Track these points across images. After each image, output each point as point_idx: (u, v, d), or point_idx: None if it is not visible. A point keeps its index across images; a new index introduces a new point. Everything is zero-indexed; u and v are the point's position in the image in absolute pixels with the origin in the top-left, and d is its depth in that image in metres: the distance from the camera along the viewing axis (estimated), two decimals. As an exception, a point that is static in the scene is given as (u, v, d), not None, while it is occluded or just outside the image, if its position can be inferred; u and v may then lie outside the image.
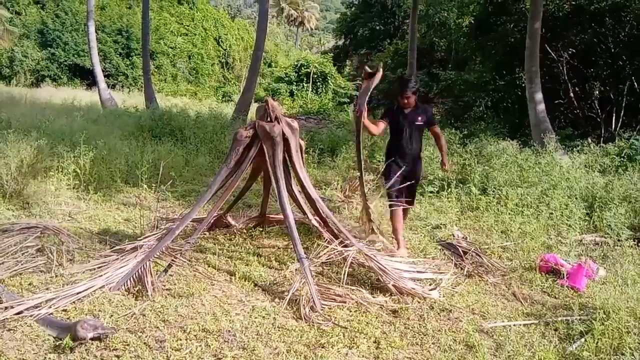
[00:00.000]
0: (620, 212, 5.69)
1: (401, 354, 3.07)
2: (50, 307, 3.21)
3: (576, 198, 6.37)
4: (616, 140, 10.11)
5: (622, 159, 8.63)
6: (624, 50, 13.37)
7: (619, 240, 5.34)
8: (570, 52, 14.26)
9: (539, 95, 10.77)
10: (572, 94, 14.03)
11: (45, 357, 2.76)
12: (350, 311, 3.55)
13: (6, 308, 3.16)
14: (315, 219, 4.65)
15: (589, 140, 9.79)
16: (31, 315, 3.11)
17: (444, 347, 3.15)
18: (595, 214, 6.04)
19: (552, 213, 5.91)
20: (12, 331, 2.99)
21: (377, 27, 28.18)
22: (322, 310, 3.50)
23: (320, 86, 27.34)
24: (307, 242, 4.74)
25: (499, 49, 15.64)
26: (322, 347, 3.03)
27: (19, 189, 5.59)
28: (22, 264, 3.81)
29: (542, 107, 10.75)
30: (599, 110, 13.79)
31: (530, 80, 10.92)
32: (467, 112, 17.99)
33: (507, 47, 15.06)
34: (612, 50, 13.55)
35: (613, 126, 13.31)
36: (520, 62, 13.08)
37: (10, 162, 5.58)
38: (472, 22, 17.82)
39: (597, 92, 13.86)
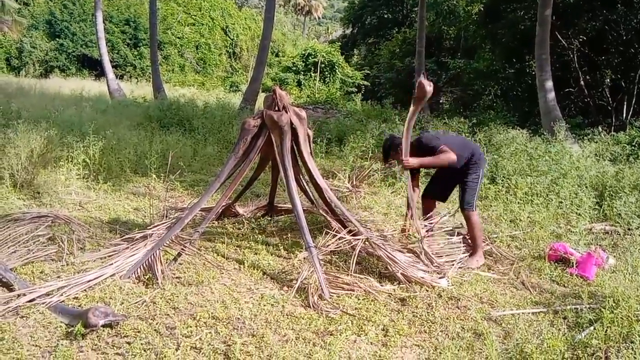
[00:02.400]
0: (631, 201, 5.65)
1: (409, 341, 3.08)
2: (61, 294, 3.25)
3: (586, 187, 6.32)
4: (627, 129, 10.01)
5: (633, 147, 8.55)
6: (636, 37, 13.18)
7: (629, 229, 5.31)
8: (581, 40, 14.08)
9: (549, 84, 10.66)
10: (582, 82, 13.87)
11: (57, 344, 2.79)
12: (359, 299, 3.56)
13: (19, 296, 3.20)
14: (324, 208, 4.66)
15: (600, 128, 9.70)
16: (43, 303, 3.15)
17: (452, 335, 3.16)
18: (606, 202, 6.00)
19: (561, 202, 5.88)
20: (25, 318, 3.04)
21: (385, 16, 27.94)
22: (330, 298, 3.51)
23: (328, 76, 27.19)
24: (316, 231, 4.75)
25: (508, 37, 15.47)
26: (330, 335, 3.05)
27: (29, 179, 5.65)
28: (33, 253, 3.86)
29: (552, 95, 10.65)
30: (610, 99, 13.64)
31: (541, 68, 10.80)
32: (477, 100, 17.87)
33: (517, 34, 14.89)
34: (624, 37, 13.36)
35: (624, 114, 13.17)
36: (530, 50, 12.97)
37: (20, 152, 5.63)
38: (482, 9, 17.63)
39: (608, 80, 13.70)
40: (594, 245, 4.78)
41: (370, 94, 24.87)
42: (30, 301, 3.16)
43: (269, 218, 5.28)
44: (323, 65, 27.01)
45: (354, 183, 6.45)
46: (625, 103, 13.31)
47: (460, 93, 18.72)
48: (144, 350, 2.77)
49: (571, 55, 13.95)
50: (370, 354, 2.90)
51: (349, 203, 6.11)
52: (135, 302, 3.29)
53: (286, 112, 4.20)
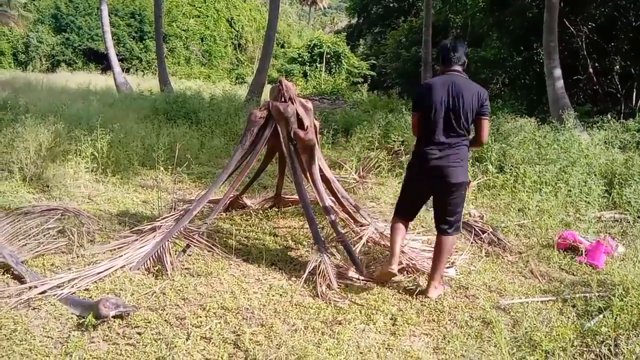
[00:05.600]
0: (641, 189, 5.60)
1: (418, 330, 3.09)
2: (72, 286, 3.29)
3: (595, 175, 6.27)
4: (637, 116, 9.89)
5: (643, 134, 8.45)
6: (646, 23, 13.00)
7: (638, 217, 5.28)
8: (589, 26, 13.89)
9: (558, 71, 10.55)
10: (591, 70, 13.71)
11: (69, 335, 2.83)
12: (366, 289, 3.57)
13: (30, 288, 3.24)
14: (331, 199, 4.66)
15: (609, 116, 9.59)
16: (54, 295, 3.18)
17: (461, 324, 3.16)
18: (615, 190, 5.95)
19: (570, 190, 5.83)
20: (36, 310, 3.07)
21: (391, 5, 27.71)
22: (338, 288, 3.52)
23: (334, 66, 27.06)
24: (323, 222, 4.76)
25: (516, 25, 15.29)
26: (339, 324, 3.07)
27: (38, 173, 5.70)
28: (44, 245, 3.89)
29: (560, 83, 10.54)
30: (619, 86, 13.48)
31: (549, 56, 10.69)
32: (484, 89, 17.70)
33: (525, 22, 14.72)
34: (634, 23, 13.17)
35: (634, 102, 13.02)
36: (538, 37, 12.82)
37: (29, 146, 5.67)
38: (489, -3, 17.43)
39: (617, 67, 13.52)
40: (603, 233, 4.75)
41: (377, 84, 24.74)
42: (41, 293, 3.20)
43: (277, 209, 5.29)
44: (329, 56, 26.88)
45: (361, 174, 6.45)
46: (634, 90, 13.15)
47: (468, 82, 18.53)
48: (155, 341, 2.79)
49: (580, 43, 13.78)
50: (379, 343, 2.91)
51: (356, 194, 6.11)
52: (145, 293, 3.32)
53: (292, 103, 4.19)
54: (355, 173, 6.55)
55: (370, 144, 8.51)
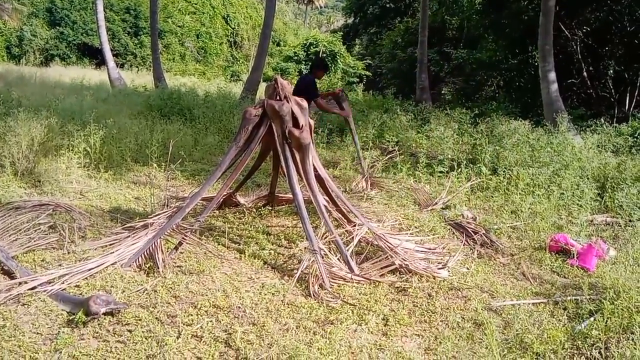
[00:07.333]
0: (633, 193, 5.63)
1: (409, 331, 3.09)
2: (63, 282, 3.27)
3: (588, 178, 6.30)
4: (630, 121, 9.96)
5: (635, 139, 8.52)
6: (640, 28, 13.08)
7: (630, 221, 5.31)
8: (584, 30, 13.97)
9: (552, 74, 10.59)
10: (585, 73, 13.79)
11: (59, 332, 2.81)
12: (359, 289, 3.57)
13: (20, 283, 3.21)
14: (325, 198, 4.65)
15: (602, 120, 9.64)
16: (44, 291, 3.16)
17: (452, 325, 3.17)
18: (607, 194, 5.98)
19: (563, 193, 5.86)
20: (26, 306, 3.05)
21: (388, 5, 27.68)
22: (331, 287, 3.52)
23: (330, 65, 27.06)
24: (316, 221, 4.75)
25: (512, 27, 15.33)
26: (331, 324, 3.06)
27: (30, 167, 5.65)
28: (34, 241, 3.87)
29: (555, 86, 10.58)
30: (613, 90, 13.56)
31: (544, 59, 10.73)
32: (479, 91, 17.79)
33: (521, 25, 14.76)
34: (628, 28, 13.25)
35: (627, 106, 13.11)
36: (533, 40, 12.87)
37: (21, 140, 5.62)
38: (485, -1, 17.47)
39: (611, 71, 13.60)
40: (594, 236, 4.77)
41: (372, 84, 24.74)
42: (31, 289, 3.18)
43: (270, 208, 5.28)
44: (325, 55, 26.84)
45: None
46: (628, 94, 13.24)
47: (463, 84, 18.59)
48: (145, 338, 2.78)
49: (574, 46, 13.85)
50: (371, 343, 2.91)
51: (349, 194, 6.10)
52: (137, 291, 3.30)
53: (287, 101, 4.18)
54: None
55: (365, 144, 8.51)
